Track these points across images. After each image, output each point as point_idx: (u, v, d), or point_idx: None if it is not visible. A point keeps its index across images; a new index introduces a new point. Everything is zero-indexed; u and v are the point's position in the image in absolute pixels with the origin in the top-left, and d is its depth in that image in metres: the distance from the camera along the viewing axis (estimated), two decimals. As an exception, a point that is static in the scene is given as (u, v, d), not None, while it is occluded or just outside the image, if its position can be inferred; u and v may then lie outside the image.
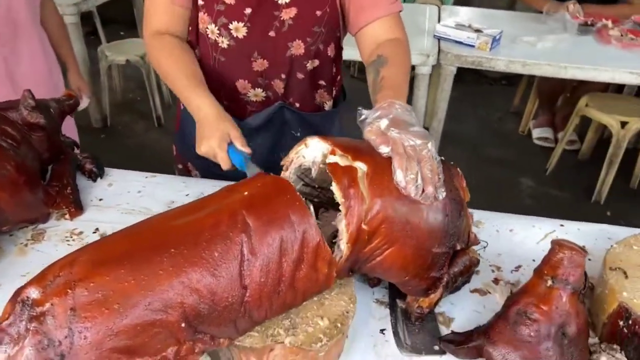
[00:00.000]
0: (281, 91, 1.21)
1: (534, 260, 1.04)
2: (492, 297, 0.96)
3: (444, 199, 0.79)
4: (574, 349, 0.77)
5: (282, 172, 0.88)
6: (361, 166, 0.76)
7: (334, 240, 0.78)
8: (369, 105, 0.92)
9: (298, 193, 0.75)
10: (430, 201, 0.76)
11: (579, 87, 3.18)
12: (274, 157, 1.29)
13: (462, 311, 0.92)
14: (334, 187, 0.75)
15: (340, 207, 0.75)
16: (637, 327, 0.79)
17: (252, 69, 1.17)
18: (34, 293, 0.63)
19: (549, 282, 0.77)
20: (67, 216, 1.10)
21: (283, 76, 1.19)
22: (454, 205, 0.83)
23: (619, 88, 3.30)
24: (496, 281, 0.99)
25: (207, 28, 1.14)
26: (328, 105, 1.29)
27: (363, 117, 0.85)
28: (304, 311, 0.78)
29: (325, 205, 0.92)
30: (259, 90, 1.21)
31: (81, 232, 1.07)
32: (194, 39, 1.21)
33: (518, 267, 1.02)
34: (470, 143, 3.48)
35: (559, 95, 3.41)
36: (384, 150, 0.77)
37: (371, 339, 0.86)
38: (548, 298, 0.77)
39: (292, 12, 1.10)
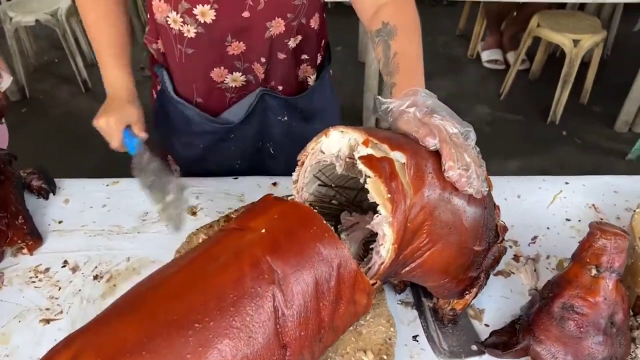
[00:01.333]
0: (261, 76, 1.05)
1: (548, 229, 1.00)
2: (517, 277, 0.91)
3: None
4: (621, 336, 0.74)
5: (297, 169, 0.76)
6: (399, 157, 0.66)
7: (371, 247, 0.68)
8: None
9: (324, 221, 0.63)
10: (479, 196, 0.68)
11: (526, 4, 3.12)
12: (260, 146, 1.17)
13: (490, 299, 0.87)
14: (373, 183, 0.64)
15: (380, 207, 0.64)
16: (677, 301, 0.77)
17: (227, 53, 0.99)
18: (31, 410, 0.50)
19: (594, 272, 0.72)
20: (24, 250, 0.93)
21: (263, 60, 1.02)
22: (489, 197, 0.75)
23: (561, 3, 3.27)
24: (516, 258, 0.94)
25: (168, 17, 0.95)
26: (312, 79, 1.14)
27: (385, 106, 0.73)
28: (342, 346, 0.70)
29: (347, 207, 0.82)
30: (237, 75, 1.04)
31: (47, 269, 0.91)
32: (153, 33, 1.03)
33: (534, 239, 0.98)
34: (421, 72, 3.39)
35: (507, 14, 3.34)
36: (431, 142, 0.68)
37: (406, 350, 0.80)
38: (595, 289, 0.72)
39: None
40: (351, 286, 0.63)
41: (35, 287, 0.88)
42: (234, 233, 0.64)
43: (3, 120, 1.06)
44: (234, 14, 0.93)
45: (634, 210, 0.88)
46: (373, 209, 0.66)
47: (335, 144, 0.72)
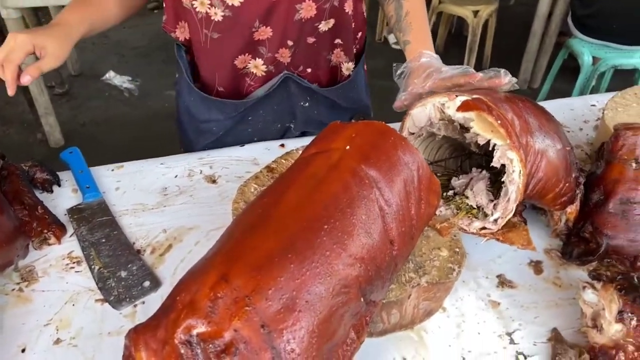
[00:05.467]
0: (287, 60, 1.04)
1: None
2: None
3: None
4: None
5: None
6: (481, 97, 0.76)
7: (501, 179, 0.77)
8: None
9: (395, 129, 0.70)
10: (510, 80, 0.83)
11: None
12: (279, 128, 1.17)
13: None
14: (479, 120, 0.74)
15: (494, 139, 0.74)
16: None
17: (253, 39, 0.99)
18: (196, 328, 0.51)
19: (634, 165, 0.83)
20: (50, 241, 0.88)
21: (290, 43, 1.01)
22: None
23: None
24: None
25: (194, 0, 0.94)
26: (346, 66, 1.13)
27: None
28: (417, 249, 0.77)
29: (451, 174, 0.91)
30: (259, 61, 1.03)
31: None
32: (171, 18, 1.01)
33: (522, 154, 1.12)
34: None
35: (406, -2, 3.61)
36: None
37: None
38: None
39: None
40: (427, 187, 0.70)
41: (76, 272, 0.85)
42: (319, 155, 0.68)
43: None
44: None
45: (603, 112, 1.05)
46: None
47: (422, 117, 0.82)
